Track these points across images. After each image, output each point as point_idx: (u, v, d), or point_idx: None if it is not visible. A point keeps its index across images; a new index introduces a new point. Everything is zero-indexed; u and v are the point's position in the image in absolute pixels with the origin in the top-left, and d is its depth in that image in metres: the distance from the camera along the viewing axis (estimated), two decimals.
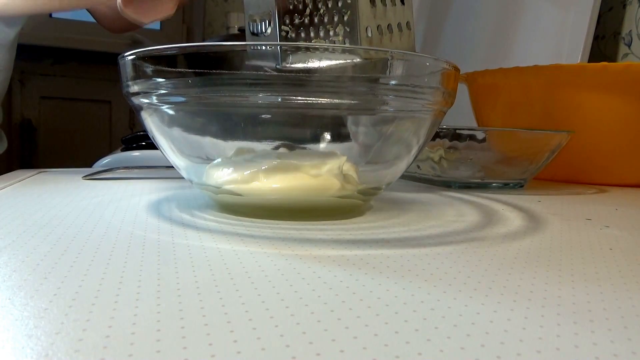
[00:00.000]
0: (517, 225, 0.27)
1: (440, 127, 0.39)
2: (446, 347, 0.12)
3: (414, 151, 0.28)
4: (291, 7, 0.30)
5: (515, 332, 0.13)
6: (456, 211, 0.31)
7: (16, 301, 0.14)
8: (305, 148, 0.28)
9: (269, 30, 0.31)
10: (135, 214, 0.27)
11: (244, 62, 0.24)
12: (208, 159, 0.28)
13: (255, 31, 0.31)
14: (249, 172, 0.26)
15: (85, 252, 0.19)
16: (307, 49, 0.24)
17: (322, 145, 0.28)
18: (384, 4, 0.31)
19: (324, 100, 0.24)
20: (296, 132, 0.28)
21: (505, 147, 0.44)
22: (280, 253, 0.20)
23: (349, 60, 0.24)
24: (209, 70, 0.23)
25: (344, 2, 0.30)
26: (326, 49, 0.24)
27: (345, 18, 0.30)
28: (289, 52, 0.24)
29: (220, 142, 0.28)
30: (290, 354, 0.11)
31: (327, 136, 0.28)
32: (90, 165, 0.62)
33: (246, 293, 0.15)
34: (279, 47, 0.24)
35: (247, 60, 0.24)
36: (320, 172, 0.26)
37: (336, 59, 0.24)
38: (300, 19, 0.31)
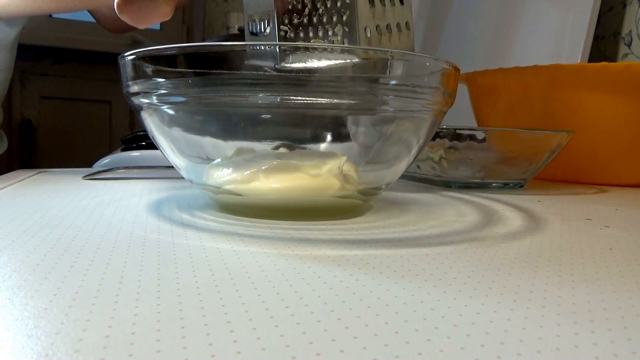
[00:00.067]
0: (517, 225, 0.27)
1: (440, 127, 0.40)
2: (446, 347, 0.12)
3: (414, 151, 0.28)
4: (290, 7, 0.30)
5: (515, 332, 0.13)
6: (456, 211, 0.31)
7: (16, 301, 0.14)
8: (305, 148, 0.28)
9: (268, 30, 0.31)
10: (135, 214, 0.27)
11: (243, 62, 0.24)
12: (208, 159, 0.28)
13: (255, 31, 0.31)
14: (249, 172, 0.26)
15: (85, 252, 0.19)
16: (306, 48, 0.24)
17: (322, 145, 0.28)
18: (383, 4, 0.31)
19: (323, 100, 0.24)
20: (296, 132, 0.28)
21: (505, 147, 0.44)
22: (280, 253, 0.20)
23: (348, 60, 0.24)
24: (209, 70, 0.23)
25: (343, 2, 0.30)
26: (325, 49, 0.24)
27: (344, 18, 0.30)
28: (287, 52, 0.23)
29: (220, 142, 0.28)
30: (290, 354, 0.11)
31: (327, 136, 0.28)
32: (90, 165, 0.62)
33: (246, 293, 0.15)
34: (277, 47, 0.24)
35: (246, 60, 0.24)
36: (320, 172, 0.26)
37: (335, 59, 0.24)
38: (299, 18, 0.31)
